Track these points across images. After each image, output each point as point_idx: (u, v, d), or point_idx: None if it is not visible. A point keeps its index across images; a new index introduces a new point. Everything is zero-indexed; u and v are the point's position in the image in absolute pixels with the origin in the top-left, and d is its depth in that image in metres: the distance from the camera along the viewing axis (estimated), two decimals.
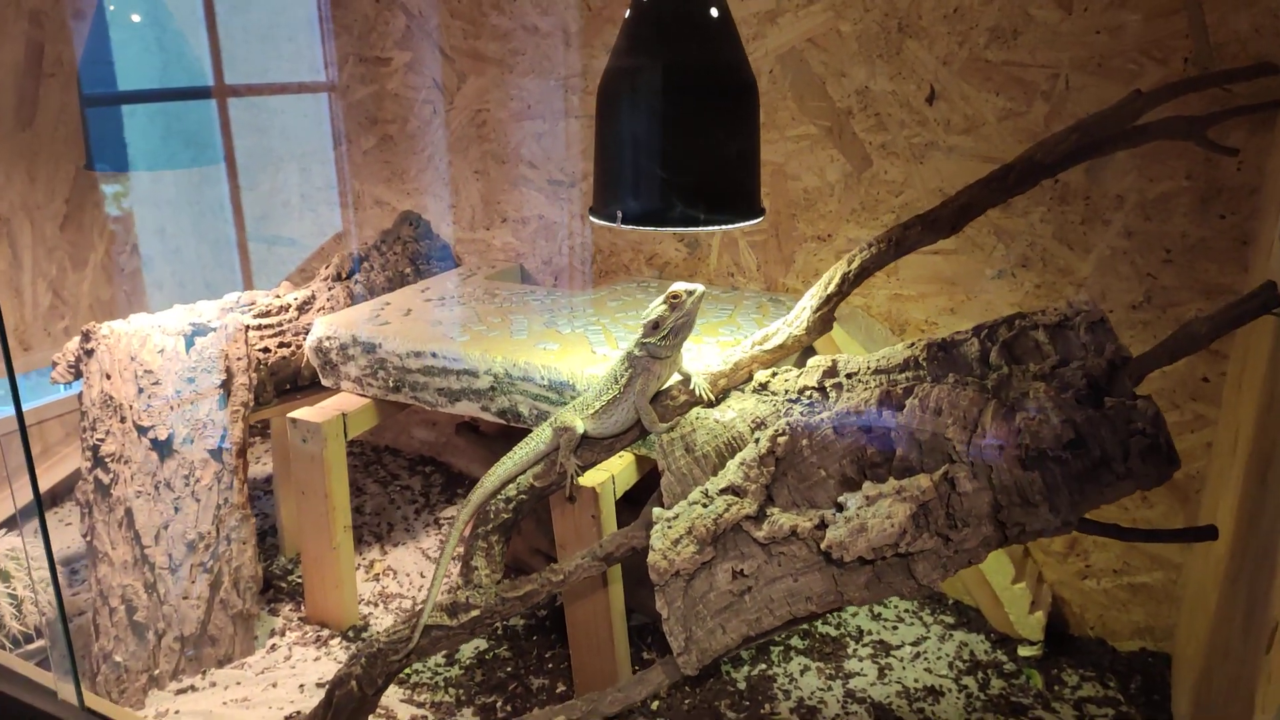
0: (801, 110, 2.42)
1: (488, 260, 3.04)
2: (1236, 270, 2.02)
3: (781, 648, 2.29)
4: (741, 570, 1.42)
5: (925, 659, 2.25)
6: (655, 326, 1.63)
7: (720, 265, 2.67)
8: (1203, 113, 1.89)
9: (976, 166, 2.24)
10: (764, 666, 2.22)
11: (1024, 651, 2.27)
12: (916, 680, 2.18)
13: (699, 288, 1.65)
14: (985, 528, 1.34)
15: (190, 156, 3.58)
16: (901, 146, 2.32)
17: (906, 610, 2.45)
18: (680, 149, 1.59)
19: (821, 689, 2.15)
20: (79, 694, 1.55)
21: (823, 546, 1.37)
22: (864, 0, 2.27)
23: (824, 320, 1.76)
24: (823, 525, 1.39)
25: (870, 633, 2.35)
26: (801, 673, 2.20)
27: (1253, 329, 1.67)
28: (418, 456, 3.31)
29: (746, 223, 1.67)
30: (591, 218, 1.71)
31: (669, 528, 1.48)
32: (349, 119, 3.21)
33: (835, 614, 2.42)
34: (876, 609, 2.46)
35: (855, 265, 1.74)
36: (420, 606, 1.71)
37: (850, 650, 2.29)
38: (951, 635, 2.34)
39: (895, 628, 2.38)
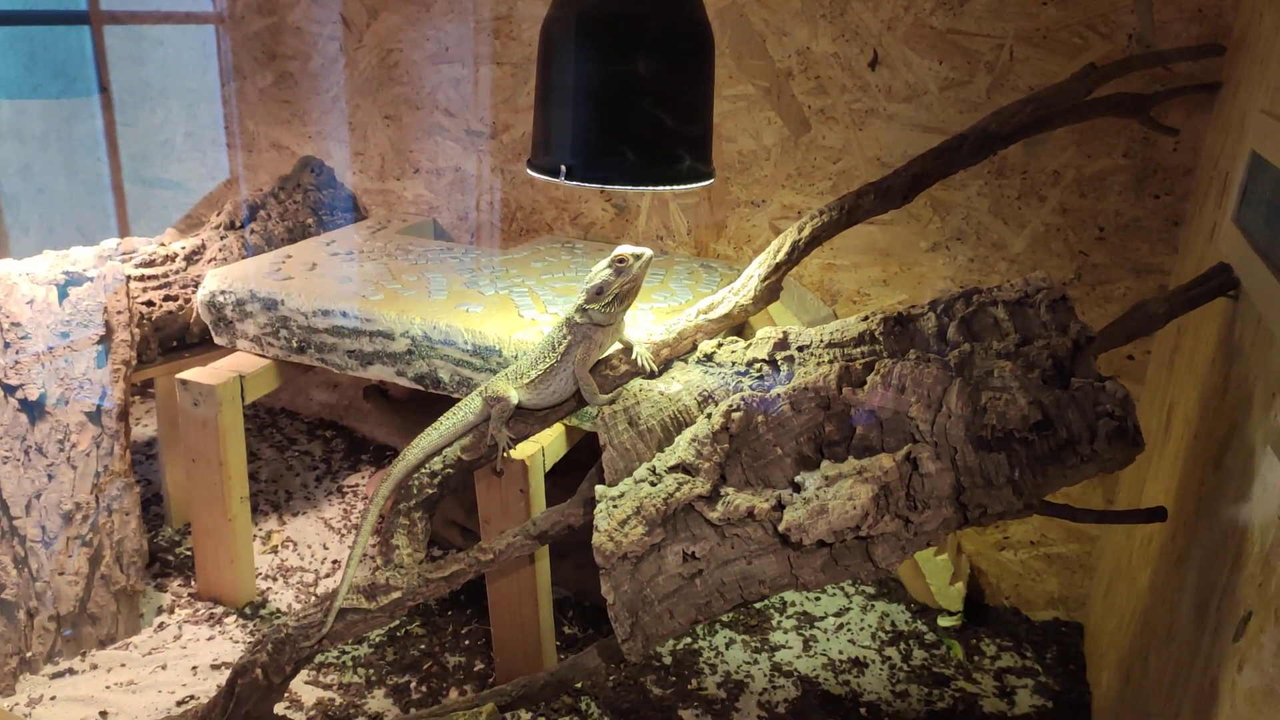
0: (740, 69, 2.32)
1: (398, 213, 2.85)
2: (1167, 250, 2.04)
3: (706, 622, 2.24)
4: (693, 552, 1.34)
5: (849, 630, 2.24)
6: (599, 292, 1.52)
7: (649, 228, 2.56)
8: (1146, 91, 1.88)
9: (916, 136, 2.19)
10: (689, 640, 2.17)
11: (944, 622, 2.29)
12: (841, 652, 2.16)
13: (647, 251, 1.54)
14: (946, 509, 1.30)
15: (60, 87, 3.24)
16: (841, 111, 2.26)
17: None
18: (631, 101, 1.47)
19: (748, 662, 2.11)
20: None
21: (780, 528, 1.30)
22: None
23: (772, 289, 1.68)
24: (780, 506, 1.32)
25: (794, 604, 2.33)
26: (727, 646, 2.16)
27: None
28: (317, 420, 3.11)
29: (698, 184, 1.57)
30: (530, 171, 1.58)
31: (615, 507, 1.39)
32: (243, 53, 2.94)
33: None
34: None
35: (806, 233, 1.66)
36: (334, 587, 1.57)
37: (775, 623, 2.25)
38: (873, 606, 2.34)
39: (818, 599, 2.36)
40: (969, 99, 2.13)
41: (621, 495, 1.41)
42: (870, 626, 2.27)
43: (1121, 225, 2.07)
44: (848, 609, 2.33)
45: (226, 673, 1.96)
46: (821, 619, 2.28)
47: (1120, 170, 2.04)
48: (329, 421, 3.10)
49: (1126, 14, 1.95)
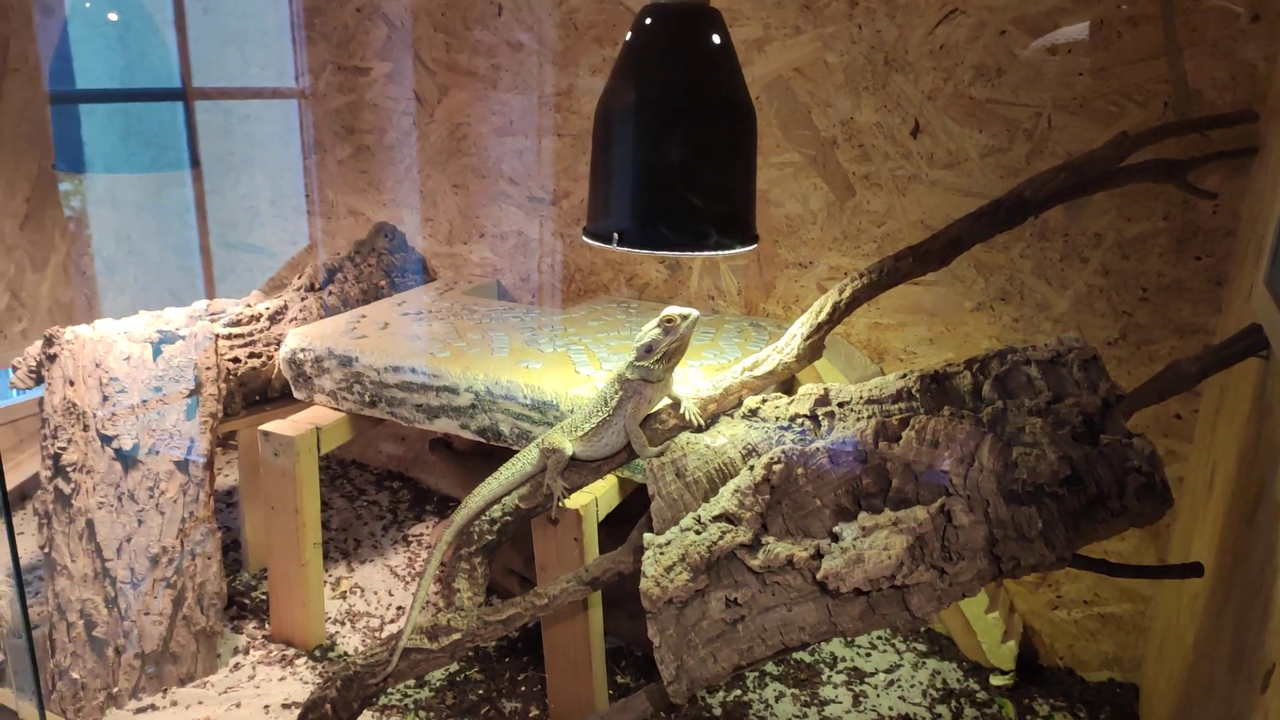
0: (786, 138, 2.43)
1: (464, 275, 3.01)
2: (1210, 311, 2.07)
3: (757, 674, 2.28)
4: (735, 599, 1.41)
5: (899, 687, 2.26)
6: (649, 350, 1.61)
7: (700, 288, 2.67)
8: (1182, 156, 1.94)
9: (958, 200, 2.27)
10: (739, 693, 2.21)
11: (996, 681, 2.29)
12: (891, 708, 2.18)
13: (694, 312, 1.64)
14: (980, 561, 1.35)
15: (152, 159, 3.50)
16: (885, 178, 2.35)
17: (880, 637, 2.46)
18: (679, 173, 1.58)
19: (797, 716, 2.14)
20: (41, 713, 1.48)
21: (818, 577, 1.36)
22: (851, 33, 2.30)
23: (814, 348, 1.76)
24: (818, 555, 1.38)
25: (844, 659, 2.35)
26: (777, 699, 2.19)
27: (1230, 369, 1.71)
28: (385, 471, 3.25)
29: (742, 249, 1.67)
30: (585, 238, 1.69)
31: (661, 554, 1.47)
32: (324, 127, 3.16)
33: None
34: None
35: (847, 294, 1.74)
36: (400, 629, 1.67)
37: (825, 677, 2.28)
38: (924, 663, 2.35)
39: (869, 655, 2.38)
40: (1009, 165, 2.21)
41: (668, 543, 1.49)
42: (921, 684, 2.28)
43: (1164, 286, 2.10)
44: (899, 665, 2.34)
45: (296, 712, 2.07)
46: (872, 675, 2.30)
47: (1160, 233, 2.09)
48: (396, 473, 3.23)
49: (1161, 83, 2.02)
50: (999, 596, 2.35)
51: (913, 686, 2.26)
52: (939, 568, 1.34)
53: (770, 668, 2.31)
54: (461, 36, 2.83)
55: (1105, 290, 2.17)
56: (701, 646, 1.42)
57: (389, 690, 2.16)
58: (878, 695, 2.22)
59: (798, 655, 2.35)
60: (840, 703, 2.19)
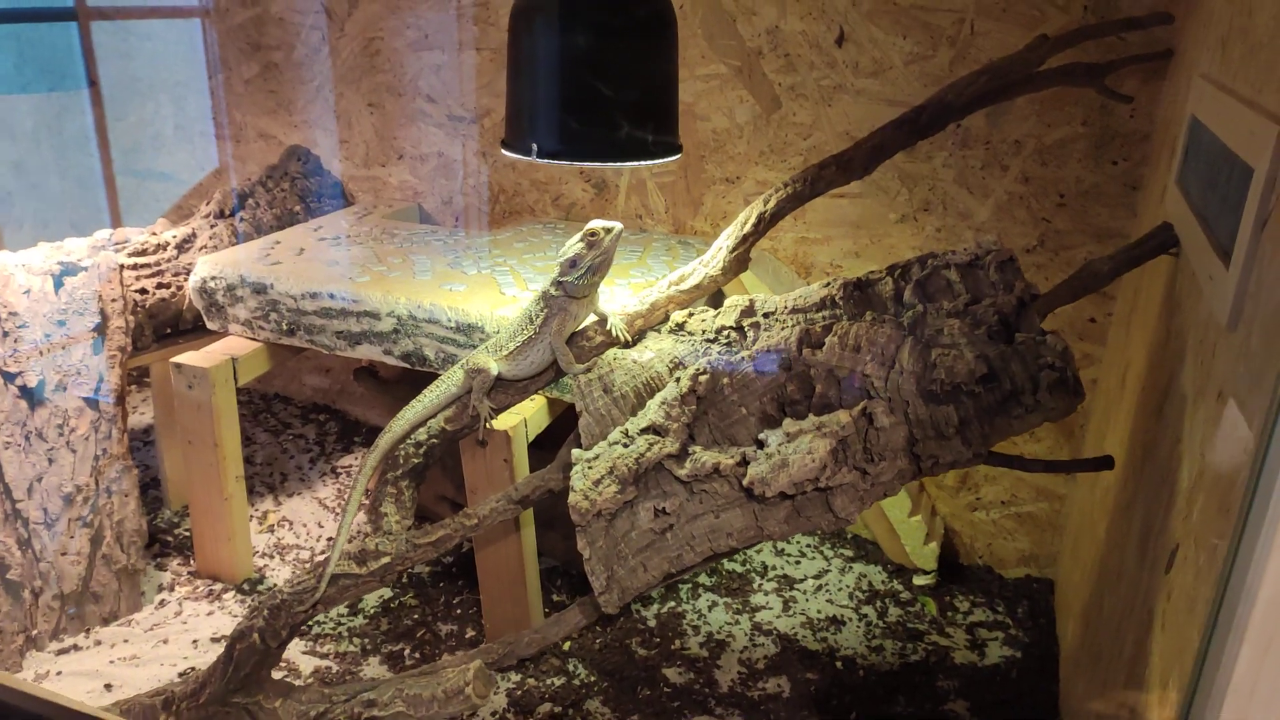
0: (712, 49, 2.38)
1: (384, 199, 2.91)
2: (1127, 215, 2.11)
3: (690, 585, 2.32)
4: (663, 508, 1.41)
5: (827, 590, 2.32)
6: (573, 264, 1.58)
7: (628, 207, 2.63)
8: (1101, 60, 1.95)
9: (883, 110, 2.26)
10: (673, 604, 2.25)
11: (919, 581, 2.37)
12: (819, 611, 2.24)
13: (617, 225, 1.61)
14: (901, 461, 1.37)
15: (49, 83, 3.29)
16: (810, 88, 2.32)
17: (808, 545, 2.51)
18: (600, 80, 1.53)
19: (729, 623, 2.19)
20: None
21: (744, 483, 1.37)
22: None
23: (739, 260, 1.75)
24: (744, 462, 1.39)
25: (774, 568, 2.41)
26: (710, 609, 2.24)
27: (1142, 272, 1.75)
28: (310, 404, 3.18)
29: (665, 159, 1.64)
30: (504, 151, 1.64)
31: (589, 468, 1.46)
32: (229, 45, 3.00)
33: (742, 551, 2.47)
34: (780, 545, 2.51)
35: (771, 205, 1.73)
36: (326, 555, 1.64)
37: (756, 585, 2.33)
38: (851, 567, 2.42)
39: (798, 562, 2.44)
40: (933, 73, 2.20)
41: (596, 457, 1.48)
42: (848, 587, 2.34)
43: (1082, 192, 2.13)
44: (826, 571, 2.41)
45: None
46: (801, 581, 2.36)
47: (1079, 138, 2.11)
48: (322, 405, 3.17)
49: None
50: (921, 501, 2.41)
51: (840, 590, 2.33)
52: (861, 469, 1.36)
53: (703, 579, 2.35)
54: None
55: (1025, 197, 2.20)
56: (631, 556, 1.43)
57: (320, 618, 2.15)
58: (806, 600, 2.28)
59: (729, 565, 2.40)
60: (771, 608, 2.24)
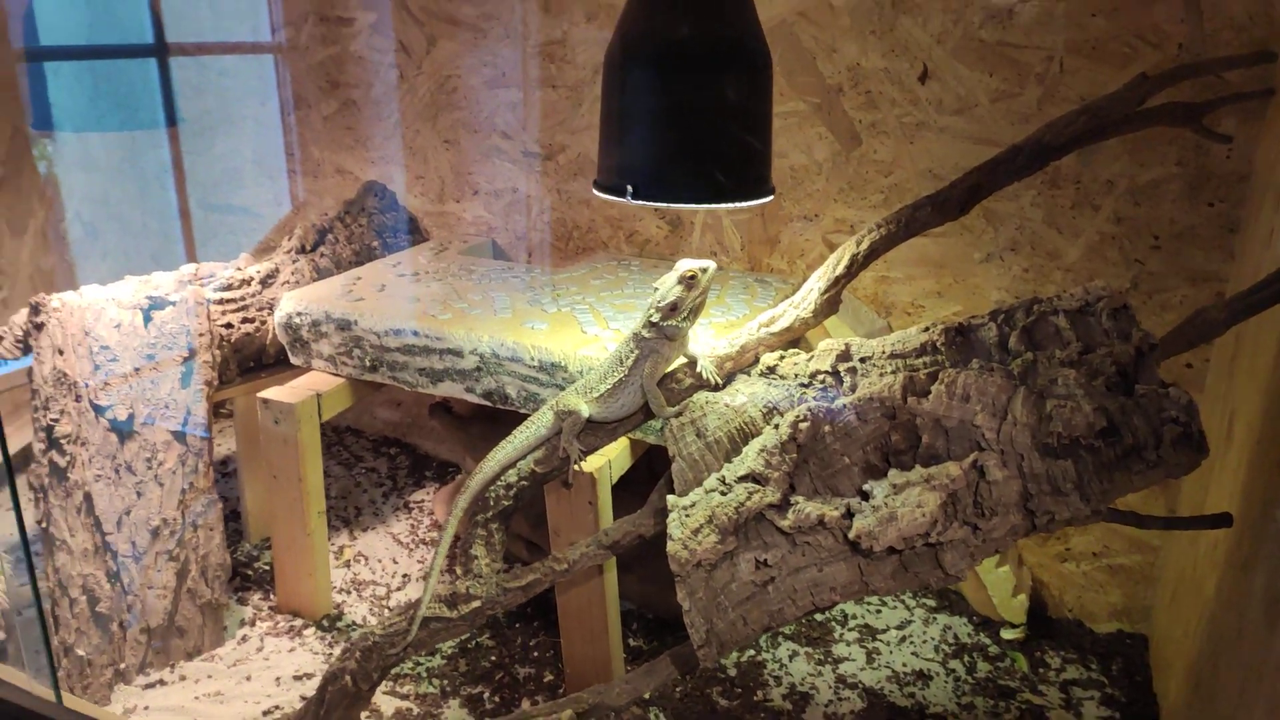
0: (790, 86, 2.37)
1: (458, 234, 2.94)
2: (1223, 257, 2.04)
3: (769, 634, 2.27)
4: (765, 560, 1.38)
5: (911, 642, 2.26)
6: (674, 308, 1.57)
7: (702, 244, 2.61)
8: (1196, 99, 1.90)
9: (968, 148, 2.22)
10: (752, 653, 2.20)
11: (1007, 634, 2.29)
12: (904, 664, 2.18)
13: (711, 264, 1.60)
14: (1014, 516, 1.32)
15: (128, 118, 3.38)
16: (892, 125, 2.29)
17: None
18: (695, 123, 1.52)
19: (812, 674, 2.13)
20: (56, 692, 1.44)
21: (850, 536, 1.34)
22: None
23: (831, 302, 1.72)
24: (849, 514, 1.36)
25: (855, 616, 2.35)
26: (790, 658, 2.18)
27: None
28: (381, 437, 3.20)
29: (759, 201, 1.62)
30: (596, 192, 1.64)
31: (687, 516, 1.44)
32: (307, 82, 3.06)
33: None
34: None
35: (865, 246, 1.70)
36: (418, 598, 1.64)
37: (837, 635, 2.28)
38: (935, 619, 2.35)
39: (879, 611, 2.38)
40: (1020, 110, 2.16)
41: (693, 505, 1.45)
42: (933, 639, 2.28)
43: (1176, 233, 2.08)
44: (909, 621, 2.34)
45: (308, 683, 2.04)
46: (884, 631, 2.30)
47: (1173, 179, 2.05)
48: (393, 439, 3.18)
49: (1175, 24, 1.97)
50: (1009, 551, 2.34)
51: (925, 642, 2.26)
52: (972, 524, 1.32)
53: (784, 627, 2.30)
54: None
55: (1117, 238, 2.14)
56: (732, 609, 1.40)
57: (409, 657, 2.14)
58: (890, 652, 2.22)
59: None
60: (854, 660, 2.19)
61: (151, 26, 3.03)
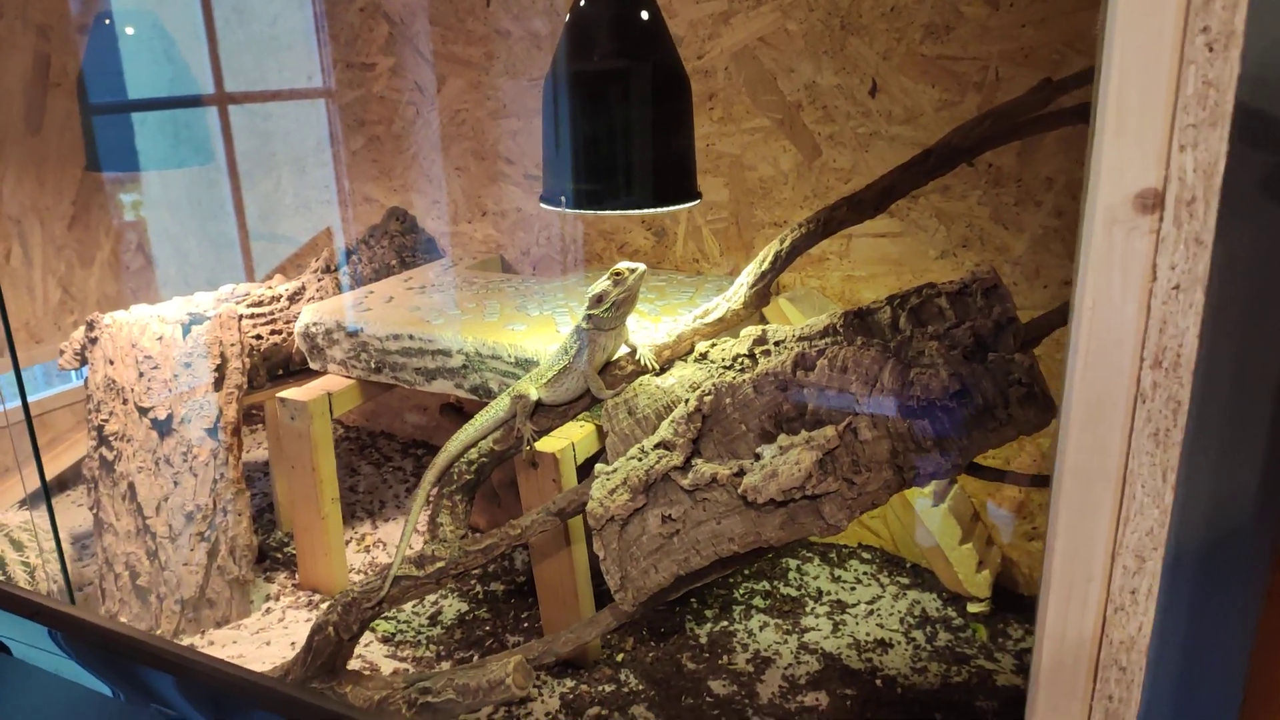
0: (755, 104, 2.57)
1: (470, 251, 3.21)
2: None
3: (744, 606, 2.45)
4: (670, 515, 1.58)
5: (878, 615, 2.40)
6: (599, 300, 1.78)
7: (686, 251, 2.82)
8: None
9: (916, 154, 2.38)
10: (725, 623, 2.38)
11: (973, 608, 2.41)
12: (868, 634, 2.32)
13: (641, 266, 1.80)
14: (885, 472, 1.49)
15: (181, 157, 3.76)
16: (848, 136, 2.47)
17: (865, 573, 2.60)
18: (619, 139, 1.74)
19: (778, 642, 2.30)
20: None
21: (740, 491, 1.52)
22: (809, 0, 2.42)
23: (759, 295, 1.91)
24: (741, 473, 1.54)
25: (829, 593, 2.50)
26: (761, 628, 2.35)
27: None
28: (410, 440, 3.48)
29: (683, 205, 1.83)
30: (541, 204, 1.87)
31: (608, 480, 1.64)
32: (339, 122, 3.38)
33: (797, 575, 2.57)
34: (837, 571, 2.60)
35: (787, 244, 1.89)
36: (392, 560, 1.87)
37: (809, 609, 2.43)
38: (905, 594, 2.49)
39: (853, 588, 2.52)
40: (961, 117, 2.31)
41: (615, 470, 1.66)
42: (900, 612, 2.41)
43: None
44: (880, 597, 2.48)
45: None
46: (854, 605, 2.45)
47: None
48: (420, 441, 3.46)
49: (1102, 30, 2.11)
50: (975, 529, 2.47)
51: (891, 615, 2.40)
52: (848, 478, 1.49)
53: (757, 601, 2.47)
54: (455, 28, 3.01)
55: (1059, 230, 2.27)
56: (643, 558, 1.60)
57: (403, 628, 2.38)
58: (856, 623, 2.37)
59: (784, 590, 2.51)
60: (820, 630, 2.34)
61: (202, 78, 3.40)
